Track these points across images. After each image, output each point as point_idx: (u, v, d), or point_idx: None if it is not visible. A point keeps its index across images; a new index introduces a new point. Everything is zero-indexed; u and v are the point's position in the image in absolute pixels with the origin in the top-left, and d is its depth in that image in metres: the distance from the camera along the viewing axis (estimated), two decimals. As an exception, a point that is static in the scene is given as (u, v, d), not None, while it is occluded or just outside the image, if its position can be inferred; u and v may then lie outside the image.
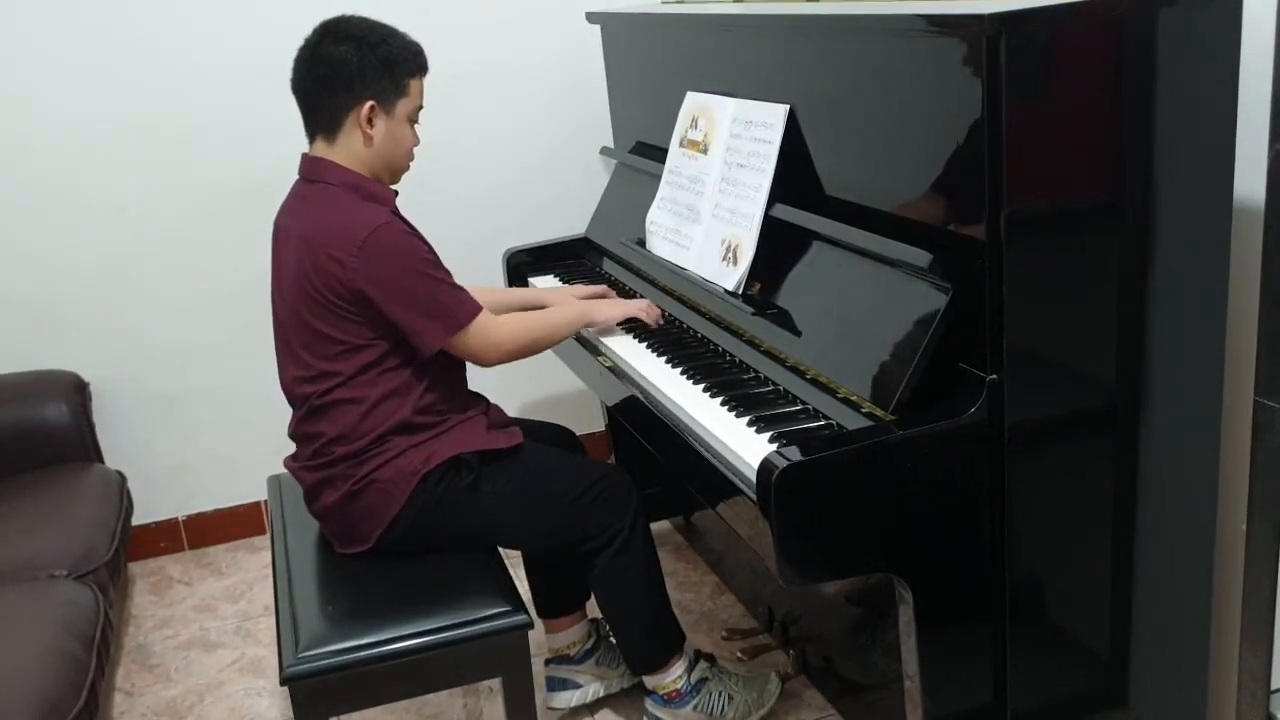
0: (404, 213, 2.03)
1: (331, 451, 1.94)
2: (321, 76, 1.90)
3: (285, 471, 2.10)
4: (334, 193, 1.91)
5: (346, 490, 1.94)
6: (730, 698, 2.15)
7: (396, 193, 2.01)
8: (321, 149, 1.94)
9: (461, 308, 1.93)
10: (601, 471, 2.06)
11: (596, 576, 2.06)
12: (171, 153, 2.89)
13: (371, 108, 1.90)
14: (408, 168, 2.02)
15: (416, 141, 2.00)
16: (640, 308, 2.24)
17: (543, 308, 2.36)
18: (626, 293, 2.46)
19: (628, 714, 2.28)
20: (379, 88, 1.90)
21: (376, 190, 1.94)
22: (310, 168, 1.96)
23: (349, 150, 1.93)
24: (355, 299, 1.86)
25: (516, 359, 2.05)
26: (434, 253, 1.95)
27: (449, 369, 1.99)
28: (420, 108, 1.98)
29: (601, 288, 2.44)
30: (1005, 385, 1.54)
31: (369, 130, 1.91)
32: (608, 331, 2.28)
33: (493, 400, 2.12)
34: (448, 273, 1.95)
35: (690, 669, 2.13)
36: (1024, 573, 1.65)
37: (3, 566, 2.27)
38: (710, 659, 2.21)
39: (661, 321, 2.22)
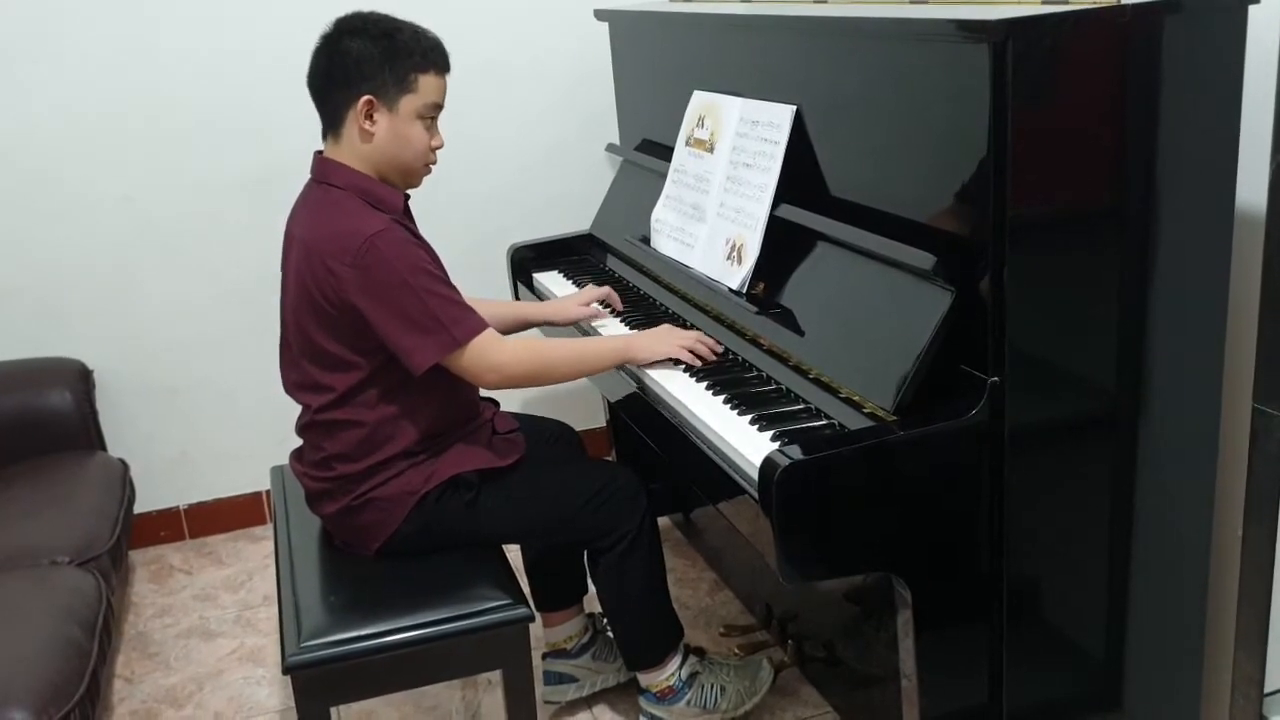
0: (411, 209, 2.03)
1: (332, 467, 1.94)
2: (324, 71, 1.87)
3: (288, 462, 2.11)
4: (337, 196, 1.87)
5: (346, 504, 1.94)
6: (723, 689, 2.16)
7: (408, 196, 1.97)
8: (330, 148, 1.91)
9: (458, 324, 1.83)
10: (608, 475, 2.04)
11: (601, 574, 2.07)
12: (177, 144, 2.89)
13: (369, 102, 1.83)
14: (424, 170, 1.94)
15: (435, 143, 1.91)
16: (686, 346, 2.00)
17: (536, 322, 2.36)
18: (629, 290, 2.47)
19: (624, 707, 2.29)
20: (378, 82, 1.83)
21: (382, 195, 1.88)
22: (318, 168, 1.93)
23: (352, 148, 1.87)
24: (346, 311, 1.82)
25: (523, 385, 1.99)
26: (438, 264, 1.89)
27: (454, 389, 1.93)
28: (437, 106, 1.90)
29: (605, 289, 2.37)
30: (1006, 387, 1.55)
31: (368, 126, 1.84)
32: (606, 326, 2.29)
33: (496, 394, 2.11)
34: (451, 287, 1.87)
35: (681, 665, 2.14)
36: (1022, 574, 1.66)
37: (6, 553, 2.29)
38: (700, 653, 2.22)
39: (713, 357, 1.99)
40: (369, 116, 1.85)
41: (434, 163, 1.95)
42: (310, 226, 1.88)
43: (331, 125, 1.90)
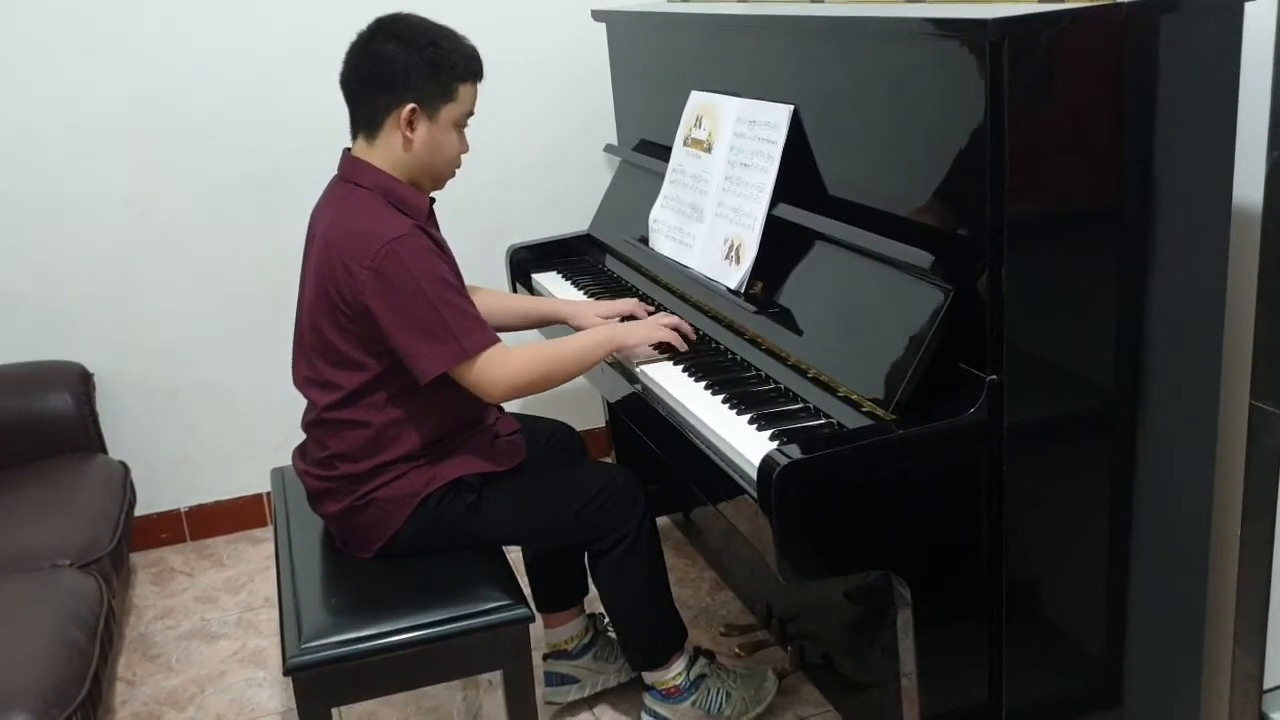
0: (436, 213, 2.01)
1: (335, 466, 1.94)
2: (366, 74, 1.86)
3: (289, 463, 2.11)
4: (363, 196, 1.88)
5: (348, 504, 1.94)
6: (728, 695, 2.17)
7: (433, 199, 1.97)
8: (361, 148, 1.91)
9: (470, 336, 1.84)
10: (607, 477, 2.05)
11: (601, 575, 2.07)
12: (177, 146, 2.89)
13: (413, 110, 1.85)
14: (452, 174, 1.97)
15: (464, 148, 1.94)
16: (669, 326, 2.07)
17: (555, 319, 2.36)
18: (629, 290, 2.47)
19: (625, 708, 2.30)
20: (423, 90, 1.85)
21: (407, 197, 1.89)
22: (347, 167, 1.93)
23: (387, 152, 1.88)
24: (361, 313, 1.83)
25: (528, 394, 1.98)
26: (457, 275, 1.89)
27: (460, 394, 1.91)
28: (470, 114, 1.93)
29: (631, 301, 2.30)
30: (1004, 386, 1.55)
31: (408, 134, 1.86)
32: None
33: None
34: (466, 299, 1.87)
35: (690, 665, 2.14)
36: (1021, 572, 1.67)
37: (7, 556, 2.29)
38: (709, 656, 2.22)
39: (693, 338, 2.08)
40: (410, 124, 1.86)
41: (459, 167, 1.97)
42: (332, 224, 1.88)
43: (366, 127, 1.90)
